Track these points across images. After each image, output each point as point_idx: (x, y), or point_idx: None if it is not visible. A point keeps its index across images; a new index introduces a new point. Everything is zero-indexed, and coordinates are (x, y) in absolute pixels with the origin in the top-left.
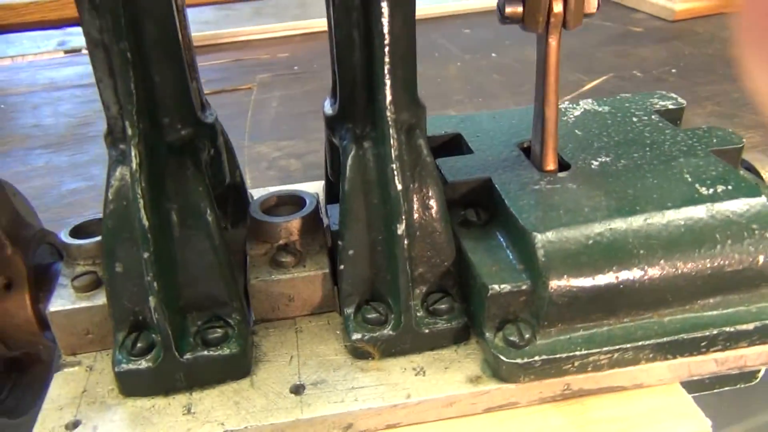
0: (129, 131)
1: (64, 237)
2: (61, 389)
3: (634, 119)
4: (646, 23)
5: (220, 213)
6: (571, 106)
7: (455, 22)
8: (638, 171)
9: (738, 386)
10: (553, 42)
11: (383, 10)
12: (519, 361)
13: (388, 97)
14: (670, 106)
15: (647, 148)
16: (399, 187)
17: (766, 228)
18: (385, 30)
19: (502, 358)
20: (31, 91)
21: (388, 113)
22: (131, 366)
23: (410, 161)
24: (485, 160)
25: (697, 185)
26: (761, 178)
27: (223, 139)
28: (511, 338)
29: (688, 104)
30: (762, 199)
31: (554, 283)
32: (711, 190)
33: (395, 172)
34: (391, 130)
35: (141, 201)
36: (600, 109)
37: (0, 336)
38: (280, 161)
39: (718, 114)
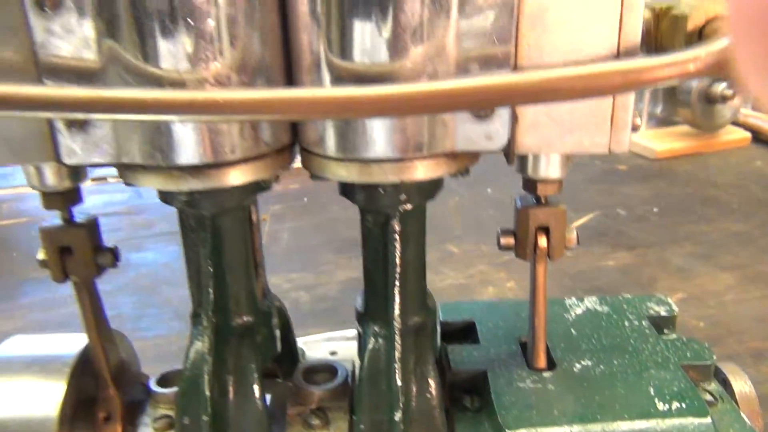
0: (204, 322)
1: (152, 385)
2: None
3: (626, 323)
4: (629, 161)
5: (275, 367)
6: (575, 302)
7: None
8: (612, 379)
9: None
10: (540, 268)
11: (396, 244)
12: None
13: (396, 311)
14: (663, 313)
15: (627, 356)
16: (399, 383)
17: None
18: (397, 260)
19: None
20: None
21: (395, 323)
22: None
23: (415, 356)
24: (487, 351)
25: (656, 399)
26: (732, 390)
27: (279, 318)
28: None
29: (668, 243)
30: (707, 420)
31: None
32: (666, 406)
33: (396, 371)
34: (396, 336)
35: (206, 376)
36: (599, 309)
37: None
38: (291, 294)
39: (696, 254)
